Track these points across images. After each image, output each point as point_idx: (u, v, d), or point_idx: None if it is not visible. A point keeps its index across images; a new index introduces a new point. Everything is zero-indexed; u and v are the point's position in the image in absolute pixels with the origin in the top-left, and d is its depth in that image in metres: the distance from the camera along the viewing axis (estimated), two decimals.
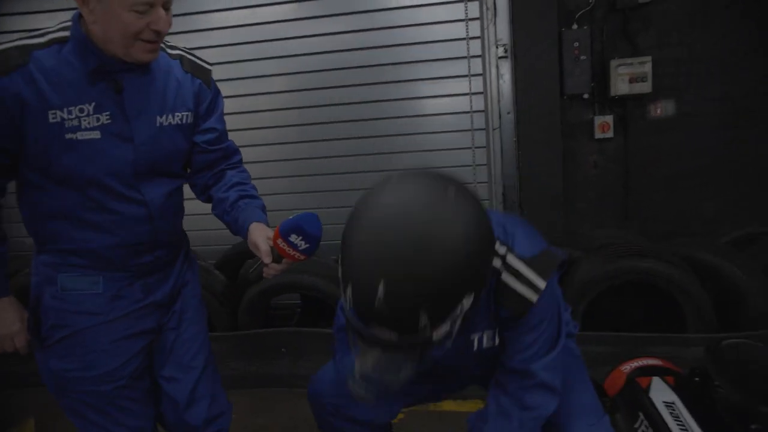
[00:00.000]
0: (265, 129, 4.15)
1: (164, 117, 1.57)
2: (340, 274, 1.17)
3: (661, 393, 1.99)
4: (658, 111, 3.87)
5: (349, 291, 1.14)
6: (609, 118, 3.88)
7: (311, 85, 4.13)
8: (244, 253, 3.72)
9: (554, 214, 3.99)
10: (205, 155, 1.69)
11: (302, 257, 1.51)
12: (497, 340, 1.51)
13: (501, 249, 1.33)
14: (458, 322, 1.19)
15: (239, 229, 1.64)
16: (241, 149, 1.81)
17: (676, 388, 1.99)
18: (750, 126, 3.79)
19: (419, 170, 1.20)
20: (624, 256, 2.88)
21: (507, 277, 1.33)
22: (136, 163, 1.54)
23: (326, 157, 4.19)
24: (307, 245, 1.48)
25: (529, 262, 1.33)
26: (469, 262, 1.12)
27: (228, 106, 1.81)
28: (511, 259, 1.33)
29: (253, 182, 1.78)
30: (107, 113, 1.46)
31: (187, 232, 1.80)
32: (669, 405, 1.91)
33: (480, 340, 1.50)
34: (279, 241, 1.49)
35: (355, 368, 1.30)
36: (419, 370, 1.39)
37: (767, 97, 3.75)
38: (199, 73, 1.61)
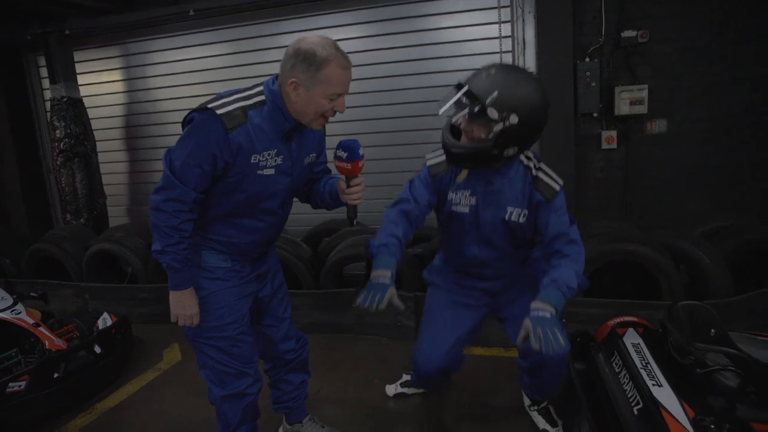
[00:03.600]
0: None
1: (308, 158, 1.88)
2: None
3: (631, 338, 2.33)
4: (653, 128, 4.15)
5: (473, 73, 1.89)
6: (613, 133, 4.19)
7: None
8: (324, 231, 4.26)
9: (568, 209, 4.36)
10: (315, 178, 2.04)
11: (349, 166, 1.74)
12: (523, 220, 2.07)
13: (534, 160, 2.03)
14: (497, 131, 1.83)
15: (331, 193, 1.93)
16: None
17: (643, 335, 2.33)
18: (727, 141, 4.05)
19: None
20: (615, 241, 3.21)
21: (539, 173, 2.01)
22: (290, 189, 1.87)
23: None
24: (346, 154, 1.73)
25: (552, 171, 2.03)
26: (532, 101, 1.84)
27: None
28: (541, 166, 2.02)
29: None
30: (281, 156, 1.76)
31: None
32: (635, 345, 2.26)
33: (511, 214, 2.07)
34: (335, 162, 1.78)
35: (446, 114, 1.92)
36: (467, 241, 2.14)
37: (742, 119, 4.00)
38: None
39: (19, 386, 2.73)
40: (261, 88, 1.72)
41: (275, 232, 1.98)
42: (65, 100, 5.26)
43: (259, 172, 1.72)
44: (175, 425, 2.68)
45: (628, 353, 2.23)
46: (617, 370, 2.24)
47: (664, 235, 3.39)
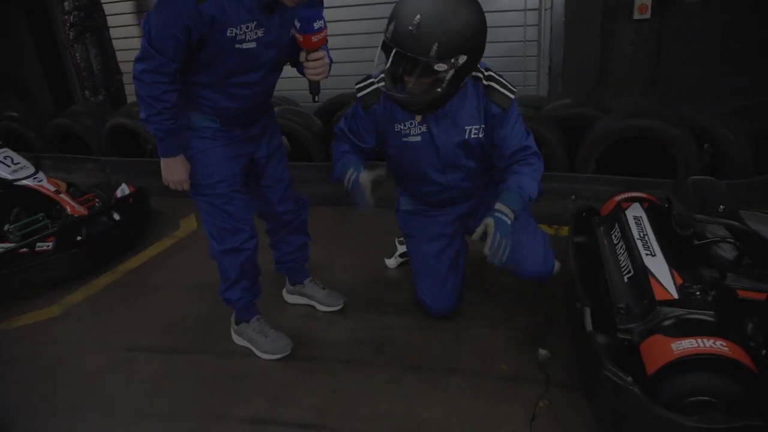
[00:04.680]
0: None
1: (293, 29, 1.75)
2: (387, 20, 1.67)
3: (634, 211, 2.28)
4: None
5: (392, 26, 1.67)
6: (648, 1, 3.85)
7: None
8: (335, 105, 4.18)
9: (589, 84, 4.15)
10: None
11: (301, 38, 1.68)
12: (481, 135, 1.99)
13: (482, 69, 1.90)
14: (449, 77, 1.73)
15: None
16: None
17: (647, 210, 2.28)
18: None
19: None
20: (630, 116, 3.07)
21: (492, 83, 1.90)
22: (276, 61, 1.84)
23: None
24: (300, 24, 1.67)
25: (505, 80, 1.91)
26: (473, 28, 1.70)
27: None
28: (493, 74, 1.91)
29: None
30: (262, 29, 1.70)
31: (293, 91, 2.17)
32: (637, 218, 2.23)
33: (470, 132, 2.00)
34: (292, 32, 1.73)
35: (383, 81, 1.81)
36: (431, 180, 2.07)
37: None
38: None
39: (47, 246, 2.94)
40: None
41: (264, 98, 1.97)
42: None
43: (238, 46, 1.68)
44: (190, 283, 2.88)
45: (628, 225, 2.21)
46: (615, 242, 2.24)
47: (684, 111, 3.25)
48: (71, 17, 5.13)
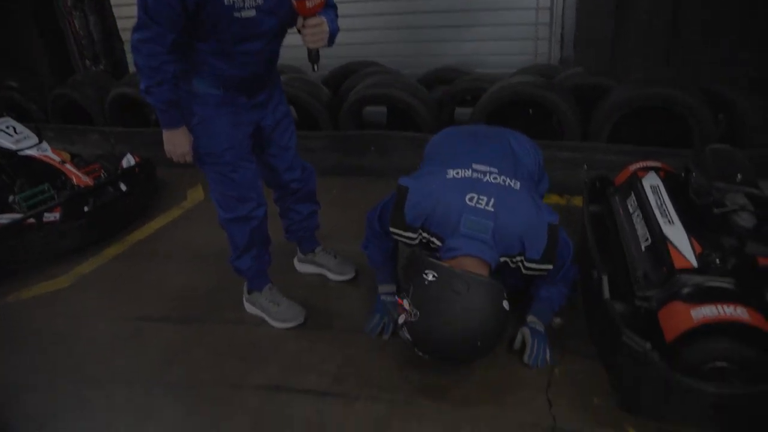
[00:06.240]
0: None
1: None
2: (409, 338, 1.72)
3: (651, 180, 2.26)
4: None
5: (424, 353, 1.75)
6: None
7: None
8: (344, 73, 4.15)
9: (603, 53, 4.06)
10: None
11: (294, 3, 1.67)
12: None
13: (517, 258, 1.77)
14: None
15: None
16: None
17: (664, 179, 2.26)
18: None
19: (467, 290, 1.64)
20: (645, 85, 3.02)
21: (527, 271, 1.80)
22: (278, 29, 1.82)
23: None
24: None
25: (540, 261, 1.76)
26: (490, 345, 1.74)
27: None
28: (528, 264, 1.77)
29: None
30: None
31: (301, 59, 1.99)
32: (654, 187, 2.21)
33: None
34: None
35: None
36: None
37: None
38: None
39: (55, 217, 2.93)
40: None
41: (267, 65, 1.94)
42: None
43: (237, 14, 1.66)
44: (200, 253, 2.89)
45: (645, 194, 2.19)
46: (631, 211, 2.23)
47: (701, 81, 3.20)
48: None
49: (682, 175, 2.27)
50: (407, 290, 1.70)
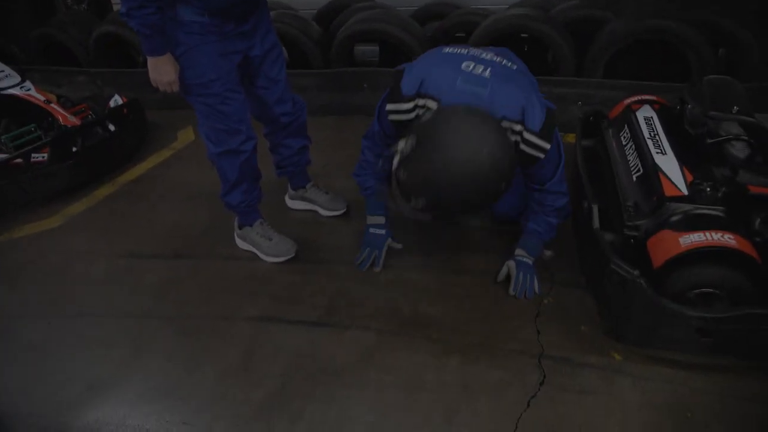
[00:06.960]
0: None
1: None
2: (403, 188, 1.54)
3: (645, 112, 2.24)
4: None
5: (421, 202, 1.52)
6: None
7: None
8: (334, 9, 4.01)
9: None
10: None
11: None
12: None
13: (517, 127, 1.63)
14: None
15: None
16: None
17: (658, 111, 2.23)
18: None
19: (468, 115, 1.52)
20: (642, 17, 2.92)
21: (524, 146, 1.66)
22: None
23: None
24: None
25: (539, 134, 1.63)
26: (497, 188, 1.53)
27: None
28: (526, 135, 1.63)
29: None
30: None
31: None
32: (648, 119, 2.19)
33: None
34: None
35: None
36: None
37: None
38: None
39: (42, 157, 2.89)
40: None
41: None
42: None
43: None
44: (190, 192, 2.87)
45: (638, 126, 2.17)
46: (624, 143, 2.21)
47: (702, 14, 3.08)
48: None
49: (677, 107, 2.24)
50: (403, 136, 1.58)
